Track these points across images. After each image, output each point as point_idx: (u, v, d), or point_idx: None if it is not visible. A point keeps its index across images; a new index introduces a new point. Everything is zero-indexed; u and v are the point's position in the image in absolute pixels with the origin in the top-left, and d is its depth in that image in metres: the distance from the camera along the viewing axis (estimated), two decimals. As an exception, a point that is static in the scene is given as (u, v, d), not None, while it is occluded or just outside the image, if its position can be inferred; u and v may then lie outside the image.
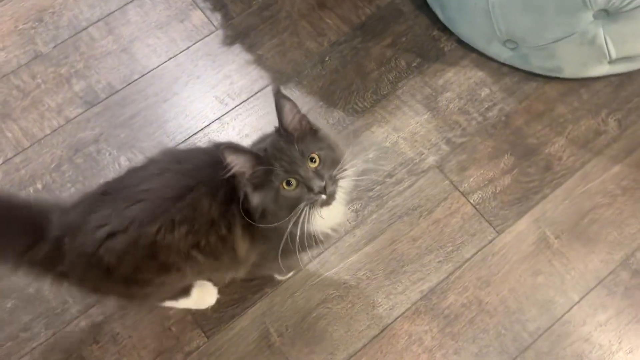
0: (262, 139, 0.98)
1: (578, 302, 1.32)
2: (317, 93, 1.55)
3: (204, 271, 1.04)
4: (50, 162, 1.47)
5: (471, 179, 1.44)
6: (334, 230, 1.02)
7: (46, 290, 1.33)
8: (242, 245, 0.96)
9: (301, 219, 0.88)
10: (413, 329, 1.30)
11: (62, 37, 1.62)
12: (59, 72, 1.57)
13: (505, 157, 1.47)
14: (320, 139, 0.92)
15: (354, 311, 1.31)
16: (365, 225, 1.40)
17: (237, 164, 0.86)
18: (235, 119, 1.52)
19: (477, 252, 1.37)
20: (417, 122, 1.51)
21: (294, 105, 0.90)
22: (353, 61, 1.58)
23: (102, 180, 1.42)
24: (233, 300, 1.32)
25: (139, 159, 1.46)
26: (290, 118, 0.90)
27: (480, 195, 1.43)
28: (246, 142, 1.50)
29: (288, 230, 0.90)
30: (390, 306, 1.32)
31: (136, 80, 1.57)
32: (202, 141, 1.49)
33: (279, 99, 0.88)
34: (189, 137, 1.50)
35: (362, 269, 1.35)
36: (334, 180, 0.90)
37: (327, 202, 0.91)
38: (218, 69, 1.58)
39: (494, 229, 1.39)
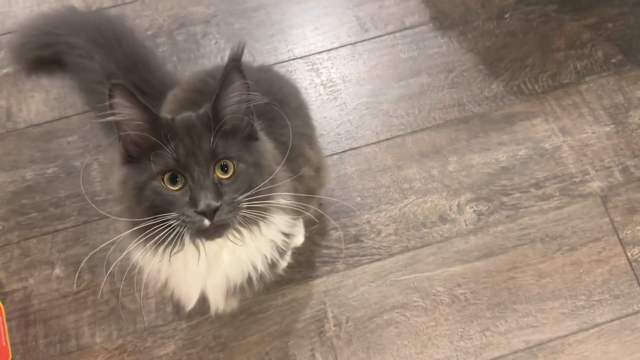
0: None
1: None
2: (481, 53, 1.21)
3: None
4: (147, 28, 1.23)
5: (638, 228, 1.10)
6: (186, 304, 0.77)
7: (94, 170, 1.12)
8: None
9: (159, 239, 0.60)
10: (501, 383, 1.01)
11: None
12: None
13: (691, 216, 1.11)
14: (252, 149, 0.66)
15: (435, 333, 1.03)
16: (485, 234, 1.09)
17: (124, 113, 0.60)
18: (370, 52, 1.23)
19: (613, 320, 1.04)
20: (594, 133, 1.16)
21: (247, 87, 0.63)
22: (538, 30, 1.23)
23: (196, 68, 1.19)
24: (297, 263, 1.06)
25: (245, 59, 1.20)
26: (232, 101, 0.63)
27: (642, 252, 1.08)
28: (371, 87, 1.24)
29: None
30: (483, 344, 1.02)
31: (273, -33, 1.29)
32: (322, 65, 1.21)
33: (231, 70, 0.61)
34: (309, 55, 1.22)
35: (462, 286, 1.05)
36: (235, 207, 0.61)
37: (211, 235, 0.62)
38: (371, -14, 1.28)
39: (646, 299, 1.05)
